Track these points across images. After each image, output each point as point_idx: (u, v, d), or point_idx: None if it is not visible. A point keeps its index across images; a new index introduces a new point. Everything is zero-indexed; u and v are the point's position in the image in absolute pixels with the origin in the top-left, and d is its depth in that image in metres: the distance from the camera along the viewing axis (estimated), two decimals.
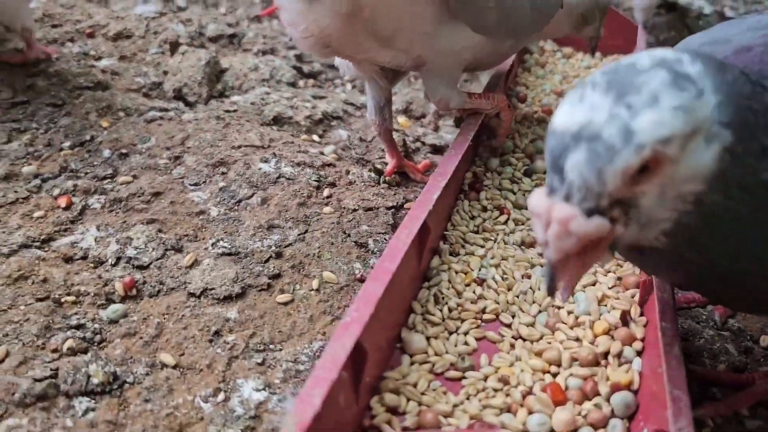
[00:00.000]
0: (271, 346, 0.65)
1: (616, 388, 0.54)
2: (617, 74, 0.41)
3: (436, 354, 0.59)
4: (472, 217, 0.78)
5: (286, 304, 0.69)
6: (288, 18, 0.73)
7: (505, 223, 0.78)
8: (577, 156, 0.39)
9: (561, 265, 0.41)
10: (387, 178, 0.90)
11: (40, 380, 0.59)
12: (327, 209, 0.82)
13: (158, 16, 1.36)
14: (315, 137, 1.02)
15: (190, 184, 0.86)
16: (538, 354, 0.59)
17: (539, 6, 0.84)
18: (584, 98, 0.40)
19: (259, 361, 0.63)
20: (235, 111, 1.06)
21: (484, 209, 0.80)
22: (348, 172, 0.92)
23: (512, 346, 0.61)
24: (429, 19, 0.76)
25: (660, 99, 0.39)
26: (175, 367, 0.62)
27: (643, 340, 0.59)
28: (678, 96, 0.39)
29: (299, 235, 0.78)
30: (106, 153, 0.94)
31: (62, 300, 0.69)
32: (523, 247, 0.74)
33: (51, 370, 0.60)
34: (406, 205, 0.85)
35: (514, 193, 0.83)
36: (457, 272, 0.68)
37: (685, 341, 0.68)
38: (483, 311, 0.64)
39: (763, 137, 0.43)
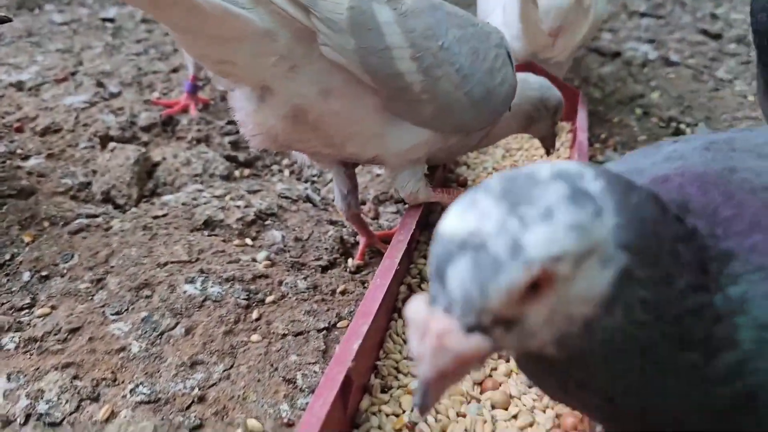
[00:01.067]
0: None
1: None
2: (514, 182, 0.38)
3: None
4: (405, 342, 0.75)
5: None
6: (239, 117, 0.78)
7: None
8: (460, 266, 0.35)
9: (436, 383, 0.37)
10: (358, 263, 0.94)
11: None
12: (255, 336, 0.78)
13: (88, 106, 1.32)
14: (248, 240, 0.98)
15: (112, 314, 0.82)
16: None
17: (480, 103, 0.82)
18: (476, 204, 0.37)
19: None
20: (164, 215, 1.02)
21: None
22: (281, 283, 0.88)
23: None
24: (376, 120, 0.77)
25: (555, 214, 0.35)
26: None
27: None
28: (574, 213, 0.36)
29: (224, 371, 0.74)
30: (26, 276, 0.89)
31: None
32: None
33: None
34: (339, 324, 0.81)
35: None
36: (387, 415, 0.65)
37: None
38: None
39: (669, 265, 0.40)
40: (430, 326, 0.36)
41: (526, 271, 0.34)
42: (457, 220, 0.37)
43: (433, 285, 0.37)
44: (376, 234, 0.98)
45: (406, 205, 0.92)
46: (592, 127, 1.40)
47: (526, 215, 0.35)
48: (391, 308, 0.78)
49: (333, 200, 1.10)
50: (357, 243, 1.00)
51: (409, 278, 0.84)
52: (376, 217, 1.09)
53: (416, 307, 0.37)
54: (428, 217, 0.97)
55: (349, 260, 0.96)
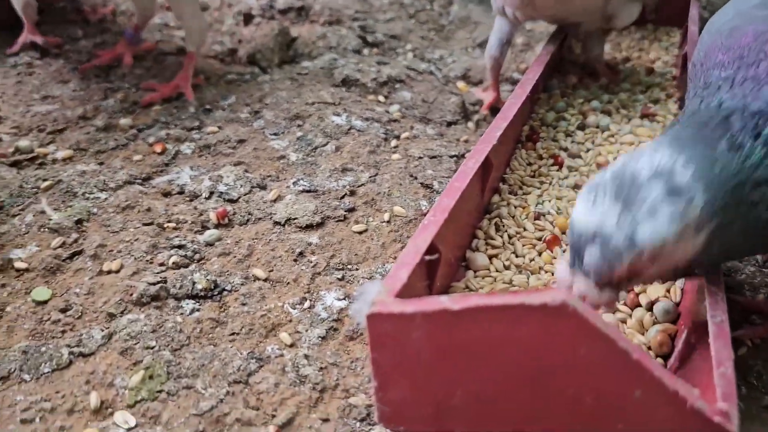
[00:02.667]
0: (349, 266, 0.73)
1: (655, 300, 0.61)
2: (623, 183, 0.50)
3: (497, 270, 0.66)
4: (529, 164, 0.85)
5: (360, 233, 0.77)
6: None
7: (559, 169, 0.84)
8: (592, 251, 0.49)
9: None
10: (484, 113, 1.06)
11: (153, 284, 0.68)
12: (395, 156, 0.90)
13: None
14: (380, 97, 1.09)
15: (270, 134, 0.95)
16: None
17: None
18: (597, 203, 0.50)
19: (339, 277, 0.71)
20: (306, 74, 1.14)
21: (540, 157, 0.86)
22: (412, 128, 0.99)
23: None
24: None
25: (657, 211, 0.48)
26: (265, 280, 0.71)
27: None
28: (671, 206, 0.48)
29: (370, 177, 0.86)
30: (192, 109, 1.03)
31: (165, 225, 0.78)
32: (576, 189, 0.81)
33: (161, 278, 0.70)
34: (466, 155, 0.92)
35: (568, 145, 0.89)
36: (515, 207, 0.75)
37: (727, 276, 0.74)
38: (540, 239, 0.71)
39: (750, 194, 0.51)
40: (573, 285, 0.51)
41: (638, 255, 0.48)
42: (585, 215, 0.51)
43: (573, 257, 0.51)
44: None
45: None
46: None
47: (636, 214, 0.48)
48: (516, 140, 0.88)
49: (454, 77, 1.20)
50: (476, 111, 1.10)
51: (531, 121, 0.94)
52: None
53: (562, 271, 0.52)
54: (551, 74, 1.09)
55: (469, 123, 1.07)
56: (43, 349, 0.62)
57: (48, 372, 0.60)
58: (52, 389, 0.59)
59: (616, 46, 1.30)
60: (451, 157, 0.91)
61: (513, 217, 0.74)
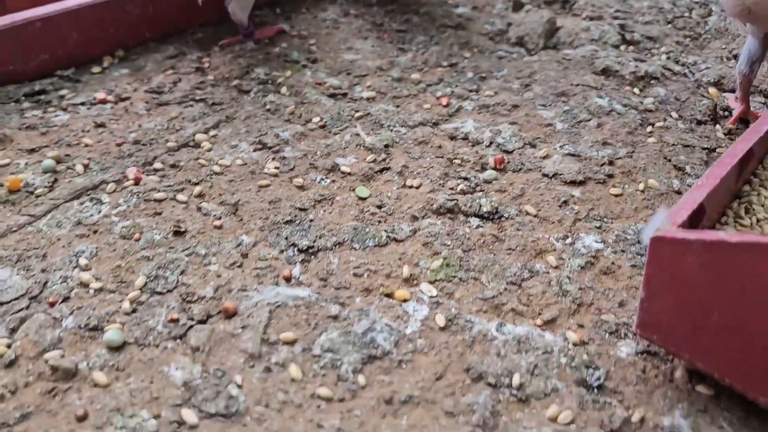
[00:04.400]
0: (605, 219, 0.86)
1: None
2: None
3: None
4: None
5: (617, 196, 0.90)
6: None
7: None
8: None
9: None
10: (730, 127, 1.09)
11: (449, 200, 0.86)
12: (651, 140, 1.01)
13: None
14: (636, 90, 1.20)
15: (539, 104, 1.10)
16: None
17: None
18: None
19: (597, 225, 0.85)
20: (570, 59, 1.28)
21: None
22: (665, 119, 1.10)
23: None
24: None
25: None
26: (535, 216, 0.86)
27: None
28: None
29: (627, 153, 0.98)
30: (470, 74, 1.21)
31: (453, 161, 0.96)
32: None
33: (452, 198, 0.87)
34: (717, 150, 1.01)
35: None
36: (765, 197, 0.84)
37: None
38: None
39: None
40: None
41: None
42: None
43: None
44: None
45: None
46: None
47: None
48: None
49: (706, 82, 1.28)
50: (728, 116, 1.18)
51: None
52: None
53: None
54: None
55: (717, 125, 1.14)
56: (367, 229, 0.82)
57: (371, 246, 0.80)
58: (374, 258, 0.79)
59: None
60: (704, 149, 1.00)
61: (763, 205, 0.83)
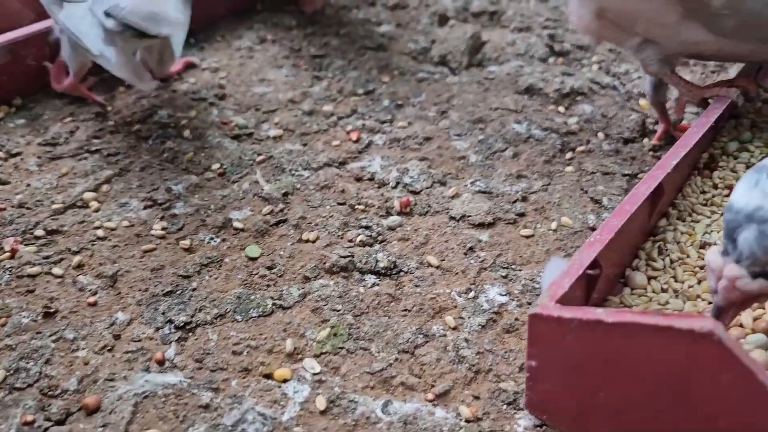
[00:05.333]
0: (513, 266, 0.80)
1: None
2: None
3: (653, 291, 0.71)
4: (703, 192, 0.86)
5: (527, 237, 0.84)
6: (568, 11, 0.95)
7: None
8: (747, 233, 0.49)
9: (726, 309, 0.54)
10: (655, 143, 1.04)
11: (343, 257, 0.80)
12: (569, 168, 0.95)
13: None
14: (561, 108, 1.14)
15: (454, 134, 1.04)
16: None
17: None
18: (759, 184, 0.50)
19: (503, 274, 0.79)
20: (492, 79, 1.21)
21: (715, 186, 0.87)
22: (588, 142, 1.04)
23: None
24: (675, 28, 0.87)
25: None
26: (437, 267, 0.80)
27: None
28: None
29: (543, 186, 0.92)
30: (385, 102, 1.14)
31: (355, 207, 0.89)
32: None
33: (349, 252, 0.81)
34: (639, 175, 0.95)
35: None
36: (681, 233, 0.78)
37: None
38: (702, 268, 0.74)
39: None
40: (724, 272, 0.51)
41: None
42: (744, 196, 0.50)
43: (727, 242, 0.51)
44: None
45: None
46: None
47: None
48: (692, 167, 0.90)
49: (637, 93, 1.22)
50: (655, 130, 1.12)
51: (712, 149, 0.95)
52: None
53: (713, 257, 0.52)
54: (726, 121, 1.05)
55: (645, 140, 1.09)
56: (253, 297, 0.76)
57: (255, 316, 0.74)
58: (257, 331, 0.72)
59: None
60: (624, 175, 0.94)
61: (678, 243, 0.77)
